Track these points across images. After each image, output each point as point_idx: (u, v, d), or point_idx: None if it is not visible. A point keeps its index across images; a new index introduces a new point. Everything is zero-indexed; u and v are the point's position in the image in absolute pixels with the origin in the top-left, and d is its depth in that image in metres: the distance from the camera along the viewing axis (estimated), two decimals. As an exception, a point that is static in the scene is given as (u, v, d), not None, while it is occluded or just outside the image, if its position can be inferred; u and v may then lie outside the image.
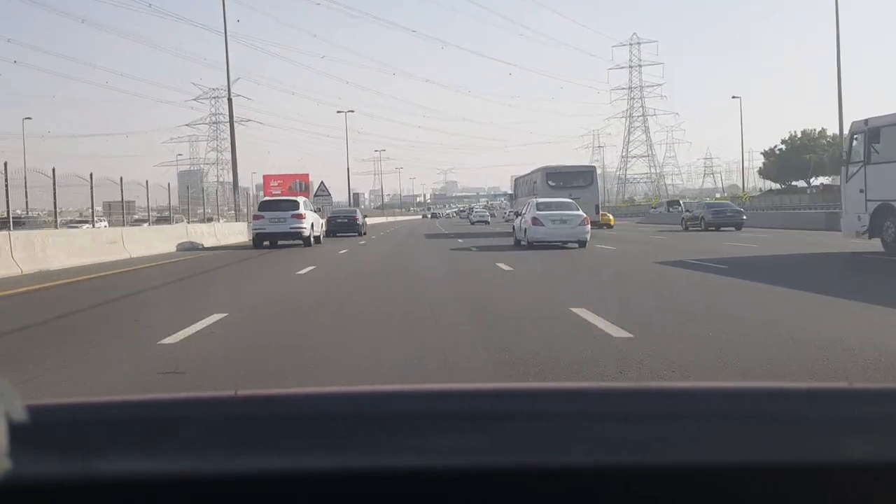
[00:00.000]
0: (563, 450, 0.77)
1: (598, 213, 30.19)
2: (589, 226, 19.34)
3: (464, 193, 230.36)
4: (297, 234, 22.13)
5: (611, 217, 38.99)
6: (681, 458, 0.77)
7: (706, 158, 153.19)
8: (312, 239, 22.74)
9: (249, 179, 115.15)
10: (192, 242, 23.11)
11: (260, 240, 22.27)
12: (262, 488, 0.74)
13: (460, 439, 0.78)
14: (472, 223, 58.42)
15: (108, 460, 0.74)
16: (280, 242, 22.36)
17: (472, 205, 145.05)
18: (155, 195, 25.71)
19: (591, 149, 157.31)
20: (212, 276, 13.31)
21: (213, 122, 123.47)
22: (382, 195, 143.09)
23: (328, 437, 0.78)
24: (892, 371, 4.63)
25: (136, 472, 0.74)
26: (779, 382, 3.23)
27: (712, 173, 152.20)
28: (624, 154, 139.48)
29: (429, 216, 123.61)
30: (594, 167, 33.52)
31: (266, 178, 65.40)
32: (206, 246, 23.58)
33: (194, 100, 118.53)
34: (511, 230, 23.23)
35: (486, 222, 59.01)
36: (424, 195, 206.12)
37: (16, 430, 0.63)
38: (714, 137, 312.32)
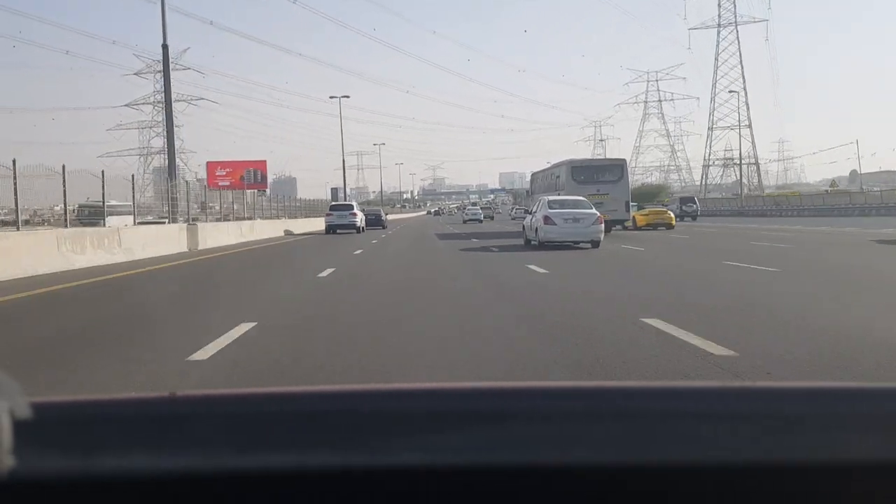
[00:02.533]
0: (563, 449, 0.78)
1: (628, 210, 28.14)
2: (603, 225, 19.11)
3: (452, 190, 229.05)
4: (353, 226, 35.48)
5: (671, 215, 33.77)
6: (681, 457, 0.78)
7: (726, 150, 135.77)
8: (361, 229, 36.12)
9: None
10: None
11: (330, 229, 35.38)
12: (263, 486, 0.76)
13: (461, 438, 0.79)
14: (464, 221, 57.81)
15: (111, 458, 0.75)
16: (338, 231, 35.24)
17: (465, 200, 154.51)
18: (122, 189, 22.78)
19: (592, 142, 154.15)
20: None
21: (160, 102, 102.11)
22: (345, 174, 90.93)
23: (329, 435, 0.79)
24: None
25: (139, 469, 0.75)
26: (779, 382, 3.48)
27: (734, 165, 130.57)
28: (710, 124, 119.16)
29: (432, 213, 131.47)
30: (624, 160, 30.88)
31: (210, 165, 56.51)
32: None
33: (135, 74, 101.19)
34: (521, 229, 22.87)
35: (479, 220, 58.14)
36: (412, 191, 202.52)
37: (20, 427, 0.64)
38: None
